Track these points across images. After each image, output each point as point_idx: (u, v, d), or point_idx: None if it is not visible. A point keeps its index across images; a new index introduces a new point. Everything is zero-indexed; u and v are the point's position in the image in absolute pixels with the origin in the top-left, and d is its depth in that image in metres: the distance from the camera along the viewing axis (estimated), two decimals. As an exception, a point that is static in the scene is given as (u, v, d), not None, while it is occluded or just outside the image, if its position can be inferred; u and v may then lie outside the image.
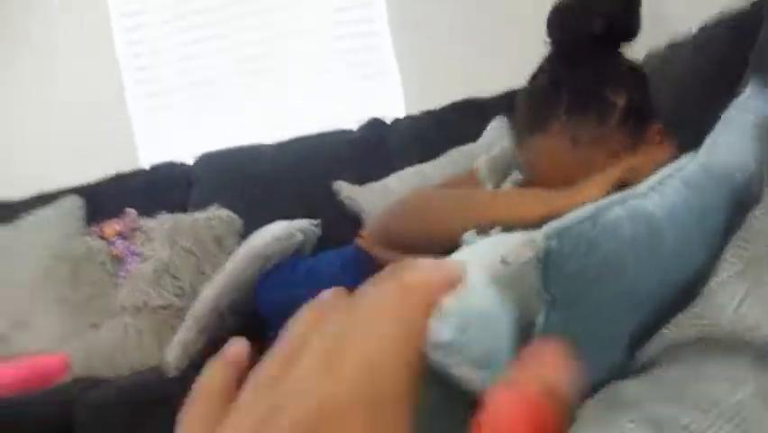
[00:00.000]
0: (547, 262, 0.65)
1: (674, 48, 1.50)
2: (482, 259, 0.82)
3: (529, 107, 1.10)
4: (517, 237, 0.82)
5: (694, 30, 1.44)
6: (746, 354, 0.61)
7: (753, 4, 1.28)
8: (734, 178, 0.78)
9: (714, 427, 0.55)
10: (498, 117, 2.00)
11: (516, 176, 1.26)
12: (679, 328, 0.70)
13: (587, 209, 0.64)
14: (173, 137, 2.78)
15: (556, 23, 1.08)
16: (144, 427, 1.53)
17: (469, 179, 1.30)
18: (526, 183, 1.16)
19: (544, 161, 1.06)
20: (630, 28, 1.05)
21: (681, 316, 0.70)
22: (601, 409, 0.67)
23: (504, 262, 0.77)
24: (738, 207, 0.77)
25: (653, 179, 0.74)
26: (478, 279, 0.78)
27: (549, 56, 1.12)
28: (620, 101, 1.01)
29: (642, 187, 0.71)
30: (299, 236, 1.63)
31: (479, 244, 0.89)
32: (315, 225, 1.76)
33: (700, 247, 0.74)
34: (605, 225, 0.63)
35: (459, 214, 1.04)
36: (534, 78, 1.12)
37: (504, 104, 2.02)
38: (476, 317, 0.75)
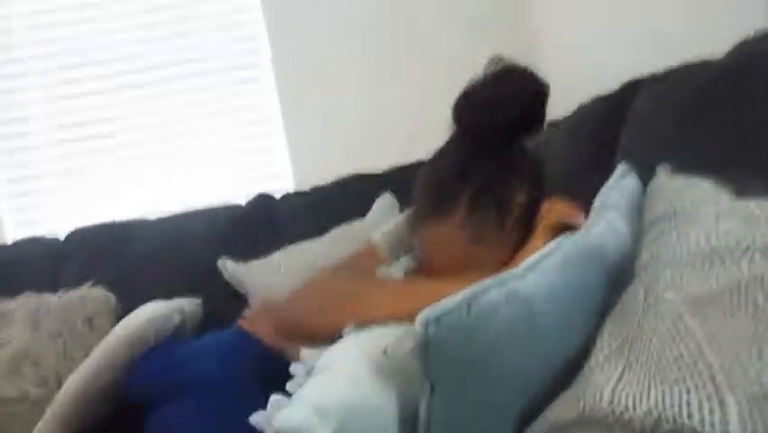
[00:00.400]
0: (426, 349, 0.63)
1: (551, 127, 1.56)
2: (365, 351, 0.79)
3: (430, 195, 1.08)
4: (400, 328, 0.81)
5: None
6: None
7: (623, 87, 1.35)
8: (609, 256, 0.80)
9: None
10: (384, 194, 2.00)
11: (409, 258, 1.24)
12: (559, 410, 0.68)
13: (463, 294, 0.63)
14: (42, 212, 2.60)
15: (465, 110, 1.06)
16: None
17: (368, 254, 1.28)
18: (421, 266, 1.14)
19: (438, 251, 1.06)
20: (538, 120, 1.07)
21: (562, 397, 0.69)
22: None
23: (386, 353, 0.75)
24: (614, 284, 0.78)
25: (531, 260, 0.74)
26: (356, 371, 0.75)
27: (453, 139, 1.10)
28: (521, 198, 1.02)
29: (520, 268, 0.71)
30: (177, 317, 1.54)
31: (361, 335, 0.86)
32: (197, 304, 1.67)
33: (580, 325, 0.74)
34: (481, 309, 0.62)
35: (338, 311, 1.01)
36: (437, 160, 1.11)
37: (394, 179, 2.03)
38: (356, 413, 0.72)
